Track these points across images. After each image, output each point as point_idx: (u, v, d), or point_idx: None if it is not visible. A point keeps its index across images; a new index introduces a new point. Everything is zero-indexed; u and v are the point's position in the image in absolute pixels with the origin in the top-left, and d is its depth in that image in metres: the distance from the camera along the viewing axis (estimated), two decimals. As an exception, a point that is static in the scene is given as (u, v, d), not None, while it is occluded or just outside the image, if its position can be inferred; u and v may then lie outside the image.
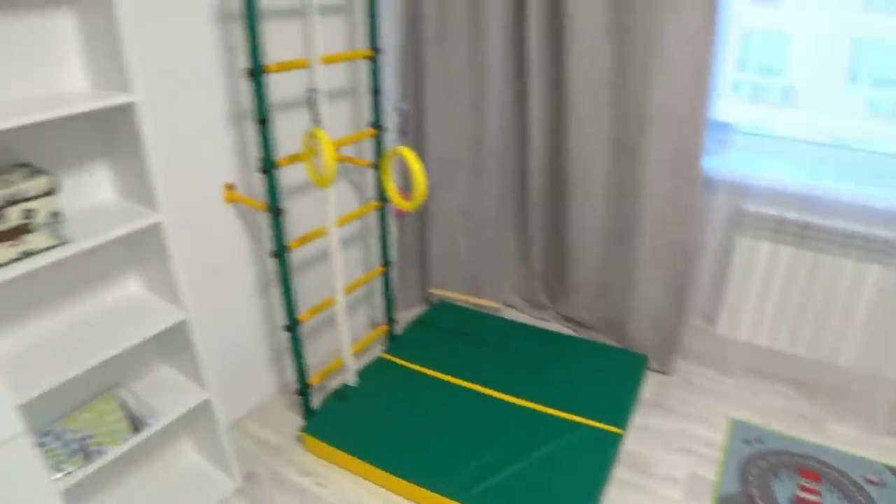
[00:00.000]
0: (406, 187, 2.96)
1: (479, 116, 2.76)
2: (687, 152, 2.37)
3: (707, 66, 2.23)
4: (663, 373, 2.69)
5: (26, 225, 1.50)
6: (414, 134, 2.89)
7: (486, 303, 2.80)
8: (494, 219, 2.95)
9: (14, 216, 1.48)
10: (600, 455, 2.15)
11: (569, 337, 2.81)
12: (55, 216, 1.55)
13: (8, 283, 1.64)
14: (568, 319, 3.01)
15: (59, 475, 1.63)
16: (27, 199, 1.50)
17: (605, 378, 2.52)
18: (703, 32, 2.20)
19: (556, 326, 3.00)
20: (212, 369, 2.03)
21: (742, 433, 2.34)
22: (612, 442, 2.20)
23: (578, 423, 2.28)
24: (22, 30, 1.62)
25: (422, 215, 3.06)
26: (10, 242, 1.48)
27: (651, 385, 2.63)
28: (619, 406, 2.37)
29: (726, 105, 2.48)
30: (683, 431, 2.37)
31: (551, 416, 2.32)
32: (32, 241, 1.52)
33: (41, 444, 1.72)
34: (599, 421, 2.29)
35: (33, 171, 1.59)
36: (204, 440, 2.18)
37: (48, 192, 1.53)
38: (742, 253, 2.46)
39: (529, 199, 2.86)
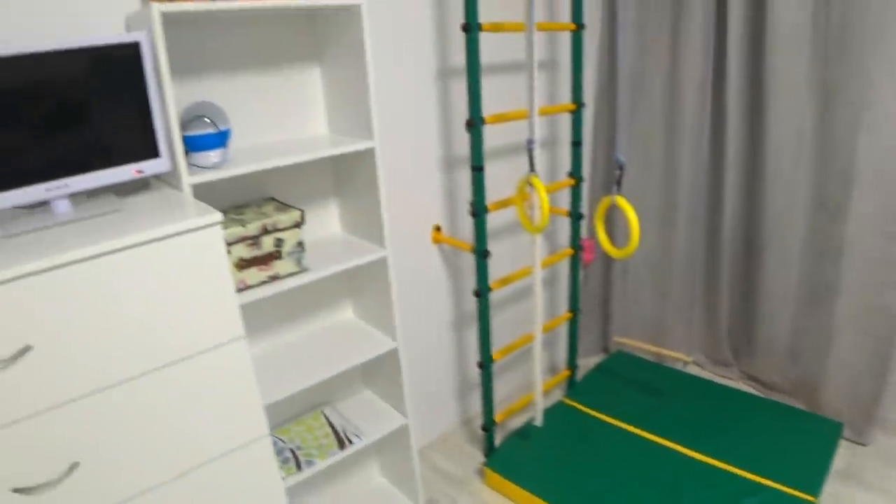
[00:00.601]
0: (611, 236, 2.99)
1: (672, 169, 2.74)
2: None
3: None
4: (859, 443, 2.49)
5: (277, 252, 1.67)
6: (604, 182, 2.94)
7: (674, 354, 2.73)
8: (682, 271, 2.88)
9: (268, 244, 1.65)
10: (795, 524, 2.02)
11: (754, 396, 2.67)
12: (300, 246, 1.71)
13: (255, 301, 1.82)
14: (753, 379, 2.86)
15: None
16: (279, 230, 1.66)
17: (795, 442, 2.36)
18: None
19: (739, 385, 2.86)
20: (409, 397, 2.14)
21: (956, 520, 2.12)
22: (806, 511, 2.06)
23: (766, 486, 2.16)
24: (279, 83, 1.83)
25: (608, 264, 3.05)
26: (262, 267, 1.65)
27: (843, 455, 2.43)
28: (811, 472, 2.21)
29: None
30: (883, 508, 2.18)
31: (738, 476, 2.21)
32: (280, 266, 1.68)
33: (269, 451, 1.88)
34: (790, 486, 2.14)
35: (280, 205, 1.77)
36: (392, 463, 2.27)
37: (296, 225, 1.69)
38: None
39: (720, 253, 2.77)
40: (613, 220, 2.95)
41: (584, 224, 2.96)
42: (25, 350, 1.08)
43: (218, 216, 1.27)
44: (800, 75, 2.35)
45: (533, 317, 2.08)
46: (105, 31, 1.53)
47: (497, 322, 2.71)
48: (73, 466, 1.16)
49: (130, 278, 1.18)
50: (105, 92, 1.38)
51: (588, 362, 3.08)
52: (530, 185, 1.86)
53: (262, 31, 1.77)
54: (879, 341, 2.39)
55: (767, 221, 2.56)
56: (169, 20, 1.56)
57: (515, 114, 2.01)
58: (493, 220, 2.54)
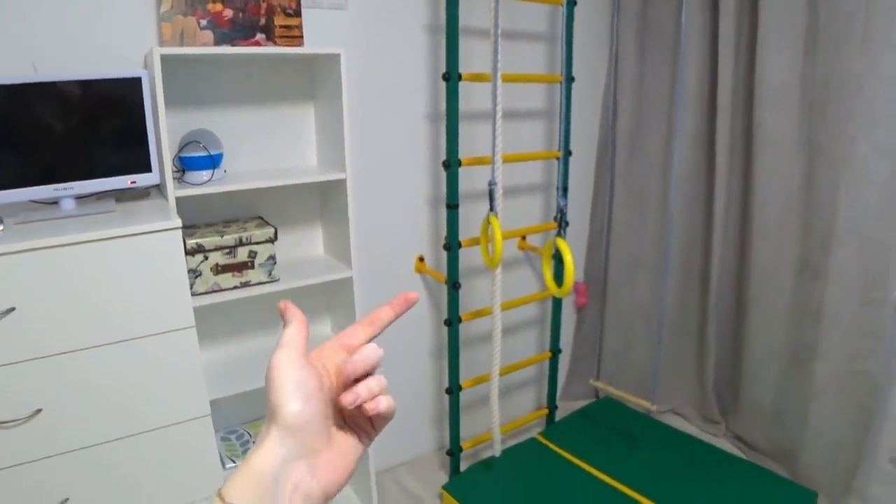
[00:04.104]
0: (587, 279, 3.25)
1: (666, 221, 2.98)
2: (877, 274, 2.36)
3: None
4: (833, 516, 2.61)
5: (250, 262, 2.04)
6: (601, 231, 3.21)
7: (640, 401, 2.92)
8: (672, 322, 3.08)
9: (242, 254, 2.02)
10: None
11: (734, 457, 2.82)
12: (271, 259, 2.07)
13: (228, 304, 2.20)
14: (739, 439, 3.00)
15: (231, 464, 2.12)
16: (254, 243, 2.04)
17: (764, 508, 2.51)
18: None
19: (725, 444, 3.00)
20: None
21: None
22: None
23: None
24: (278, 116, 2.23)
25: (600, 311, 3.30)
26: (235, 273, 2.02)
27: (816, 526, 2.56)
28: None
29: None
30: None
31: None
32: (252, 275, 2.05)
33: (225, 439, 2.24)
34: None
35: (262, 223, 2.14)
36: (357, 475, 2.57)
37: (270, 240, 2.06)
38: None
39: (708, 306, 2.96)
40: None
41: (580, 268, 3.26)
42: (10, 310, 1.48)
43: (176, 223, 1.65)
44: (788, 133, 2.55)
45: (499, 352, 2.37)
46: (128, 66, 1.97)
47: (483, 353, 2.99)
48: (37, 412, 1.55)
49: (101, 264, 1.57)
50: (111, 115, 1.80)
51: (576, 405, 3.30)
52: (490, 223, 2.17)
53: (264, 71, 2.18)
54: (860, 409, 2.49)
55: (753, 279, 2.75)
56: (176, 60, 1.98)
57: (486, 158, 2.34)
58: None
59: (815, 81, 2.46)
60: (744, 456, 2.91)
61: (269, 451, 0.50)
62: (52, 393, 1.56)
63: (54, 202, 1.80)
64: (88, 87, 1.75)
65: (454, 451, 2.68)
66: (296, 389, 0.52)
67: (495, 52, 2.11)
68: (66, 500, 1.62)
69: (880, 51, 2.25)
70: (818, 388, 2.60)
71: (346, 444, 0.56)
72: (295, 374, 0.52)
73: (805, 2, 2.44)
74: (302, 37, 2.10)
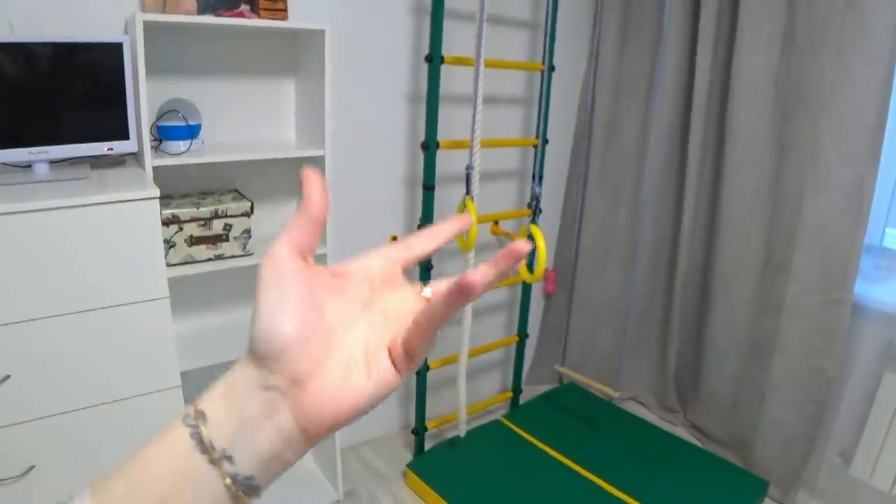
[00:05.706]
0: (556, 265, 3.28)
1: (638, 212, 3.03)
2: (837, 275, 2.41)
3: (868, 188, 2.31)
4: (783, 504, 2.70)
5: (225, 235, 2.03)
6: (572, 220, 3.24)
7: (602, 388, 2.98)
8: (638, 312, 3.14)
9: (217, 226, 2.01)
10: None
11: (690, 445, 2.90)
12: (246, 233, 2.06)
13: (201, 276, 2.18)
14: (696, 428, 3.08)
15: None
16: (229, 216, 2.02)
17: (717, 496, 2.56)
18: (866, 154, 2.30)
19: (682, 433, 3.08)
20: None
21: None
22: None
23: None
24: (258, 90, 2.21)
25: (568, 298, 3.34)
26: (210, 245, 2.01)
27: (767, 515, 2.65)
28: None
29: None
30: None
31: (651, 519, 2.44)
32: (226, 248, 2.04)
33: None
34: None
35: (238, 196, 2.13)
36: (321, 452, 2.59)
37: (245, 214, 2.05)
38: (890, 391, 2.40)
39: (674, 296, 3.02)
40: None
41: (550, 256, 3.28)
42: (-20, 275, 1.45)
43: (154, 193, 1.63)
44: (759, 131, 2.59)
45: (468, 334, 2.39)
46: (109, 31, 1.93)
47: (452, 335, 3.00)
48: (6, 378, 1.52)
49: (75, 231, 1.55)
50: (90, 80, 1.77)
51: (540, 389, 3.34)
52: (465, 207, 2.18)
53: (246, 43, 2.16)
54: (813, 404, 2.56)
55: (719, 269, 2.80)
56: (158, 27, 1.94)
57: (464, 142, 2.34)
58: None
59: (788, 83, 2.51)
60: (700, 444, 2.99)
61: (239, 366, 0.42)
62: (21, 360, 1.54)
63: (28, 166, 1.76)
64: (68, 51, 1.71)
65: (419, 431, 2.70)
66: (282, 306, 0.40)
67: (479, 36, 2.12)
68: (33, 467, 1.61)
69: (852, 60, 2.29)
70: (774, 382, 2.67)
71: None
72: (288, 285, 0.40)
73: (784, 4, 2.47)
74: (286, 10, 2.07)
